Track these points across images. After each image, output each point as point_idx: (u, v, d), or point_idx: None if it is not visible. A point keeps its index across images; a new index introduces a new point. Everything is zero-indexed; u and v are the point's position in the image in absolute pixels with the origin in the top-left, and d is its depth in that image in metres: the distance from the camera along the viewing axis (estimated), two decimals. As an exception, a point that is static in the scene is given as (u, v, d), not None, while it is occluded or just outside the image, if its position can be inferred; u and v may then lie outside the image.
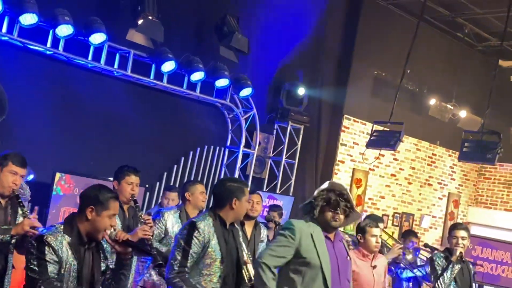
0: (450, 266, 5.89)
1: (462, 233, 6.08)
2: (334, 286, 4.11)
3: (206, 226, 4.12)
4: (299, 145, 9.98)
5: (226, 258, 4.14)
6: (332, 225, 4.20)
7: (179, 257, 4.06)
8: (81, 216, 3.50)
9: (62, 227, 3.47)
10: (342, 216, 4.19)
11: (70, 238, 3.43)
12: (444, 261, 5.99)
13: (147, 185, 7.86)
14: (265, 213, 7.44)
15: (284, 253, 4.10)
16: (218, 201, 4.30)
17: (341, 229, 4.90)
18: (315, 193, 4.29)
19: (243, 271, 4.36)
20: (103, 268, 3.65)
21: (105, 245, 3.77)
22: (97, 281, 3.57)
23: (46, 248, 3.32)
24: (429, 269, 6.09)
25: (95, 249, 3.58)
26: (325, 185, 4.31)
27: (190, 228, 4.11)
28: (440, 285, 5.86)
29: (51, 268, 3.32)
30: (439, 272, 5.94)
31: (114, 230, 3.69)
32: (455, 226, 6.24)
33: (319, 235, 4.17)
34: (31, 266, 3.32)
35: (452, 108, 11.55)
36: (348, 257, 4.35)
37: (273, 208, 7.32)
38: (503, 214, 12.88)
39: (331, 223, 4.18)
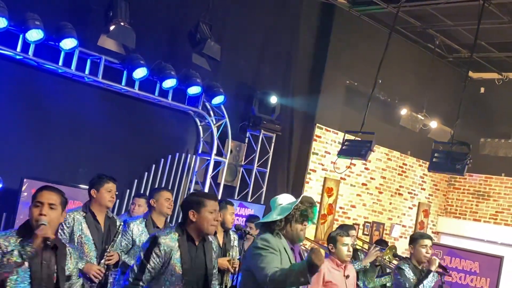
0: (431, 275, 5.91)
1: (429, 242, 6.12)
2: None
3: (169, 241, 4.05)
4: (271, 154, 9.98)
5: (189, 273, 4.06)
6: (300, 237, 4.28)
7: (136, 269, 4.04)
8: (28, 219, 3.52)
9: (14, 231, 3.47)
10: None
11: (21, 239, 3.38)
12: (410, 271, 6.00)
13: (116, 193, 7.75)
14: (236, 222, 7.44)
15: (276, 263, 4.05)
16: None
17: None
18: (290, 207, 4.27)
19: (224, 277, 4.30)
20: (67, 272, 3.58)
21: (71, 250, 3.68)
22: (61, 281, 3.49)
23: None
24: (400, 277, 6.09)
25: (53, 252, 3.51)
26: (300, 198, 4.33)
27: (151, 242, 4.05)
28: None
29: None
30: (408, 279, 5.96)
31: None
32: (422, 236, 6.26)
33: (287, 248, 4.22)
34: None
35: (423, 118, 11.67)
36: None
37: (251, 219, 7.32)
38: (472, 224, 13.03)
39: (299, 235, 4.26)
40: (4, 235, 3.42)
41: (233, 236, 6.12)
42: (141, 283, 4.00)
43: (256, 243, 4.21)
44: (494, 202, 12.90)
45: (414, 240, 6.18)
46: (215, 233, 5.85)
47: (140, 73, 7.81)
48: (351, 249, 5.58)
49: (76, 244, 4.84)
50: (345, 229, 6.88)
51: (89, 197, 5.13)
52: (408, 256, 6.30)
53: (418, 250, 6.07)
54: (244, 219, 7.85)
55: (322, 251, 4.03)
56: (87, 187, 5.27)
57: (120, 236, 5.31)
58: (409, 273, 5.96)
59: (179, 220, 4.51)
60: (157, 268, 4.00)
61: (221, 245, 5.97)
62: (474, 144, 10.14)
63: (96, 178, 5.15)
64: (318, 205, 4.47)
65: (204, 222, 4.14)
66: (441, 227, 13.10)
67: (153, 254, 3.99)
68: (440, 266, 6.04)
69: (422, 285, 5.85)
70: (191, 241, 4.14)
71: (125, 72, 7.90)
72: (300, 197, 4.37)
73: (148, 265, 3.98)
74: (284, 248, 4.17)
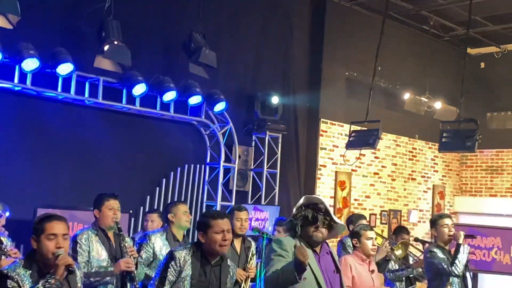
0: (461, 248, 5.89)
1: (449, 220, 6.11)
2: None
3: (183, 256, 4.16)
4: (279, 154, 9.95)
5: None
6: (315, 239, 4.25)
7: (157, 283, 4.16)
8: (33, 250, 3.47)
9: (22, 262, 3.44)
10: (324, 230, 4.25)
11: (30, 271, 3.38)
12: (441, 251, 5.99)
13: (131, 211, 7.77)
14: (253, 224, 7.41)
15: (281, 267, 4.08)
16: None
17: None
18: (294, 210, 4.35)
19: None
20: None
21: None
22: None
23: (9, 281, 3.28)
24: (424, 264, 6.04)
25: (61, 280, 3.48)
26: (302, 200, 4.37)
27: (169, 257, 4.20)
28: (456, 269, 5.82)
29: None
30: (442, 259, 5.92)
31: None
32: (441, 216, 6.25)
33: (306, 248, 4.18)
34: None
35: (426, 100, 11.60)
36: (335, 271, 4.35)
37: (279, 222, 7.27)
38: (489, 200, 12.95)
39: (313, 237, 4.23)
40: (9, 267, 3.40)
41: (252, 244, 6.07)
42: None
43: (270, 245, 4.29)
44: (508, 175, 12.82)
45: (434, 222, 6.17)
46: (232, 241, 5.81)
47: (139, 89, 7.80)
48: (375, 243, 5.54)
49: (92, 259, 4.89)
50: (358, 218, 6.86)
51: (94, 218, 5.13)
52: (432, 240, 6.28)
53: (441, 231, 6.05)
54: (262, 222, 7.83)
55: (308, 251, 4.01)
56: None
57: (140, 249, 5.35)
58: (441, 254, 5.95)
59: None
60: (173, 281, 4.12)
61: (239, 253, 5.92)
62: (481, 119, 10.07)
63: (97, 198, 5.14)
64: (325, 201, 4.42)
65: (212, 243, 4.18)
66: (458, 207, 13.03)
67: (170, 267, 4.11)
68: (465, 236, 6.03)
69: (457, 260, 5.82)
70: (205, 259, 4.20)
71: (124, 91, 7.90)
72: (302, 199, 4.36)
73: (168, 277, 4.10)
74: None
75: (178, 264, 4.11)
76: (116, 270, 4.90)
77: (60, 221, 3.51)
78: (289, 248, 4.15)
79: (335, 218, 4.32)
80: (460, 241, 5.95)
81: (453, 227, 6.10)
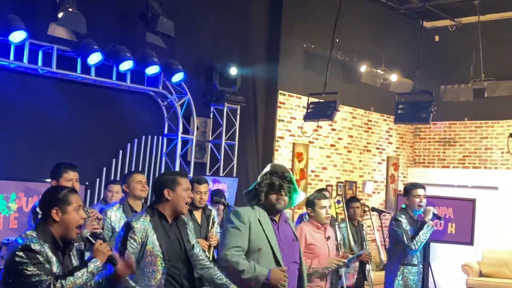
0: (425, 226, 5.97)
1: (421, 191, 6.18)
2: None
3: (142, 224, 4.01)
4: (237, 126, 9.91)
5: (168, 252, 4.03)
6: (277, 208, 4.31)
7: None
8: (49, 220, 3.38)
9: (34, 234, 3.32)
10: (286, 198, 4.32)
11: (47, 244, 3.30)
12: (407, 222, 6.07)
13: (87, 183, 7.62)
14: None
15: (241, 243, 4.14)
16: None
17: None
18: (258, 178, 4.37)
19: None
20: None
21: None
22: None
23: (33, 254, 3.19)
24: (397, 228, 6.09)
25: (70, 252, 3.51)
26: (267, 168, 4.39)
27: (126, 229, 4.03)
28: (414, 245, 5.92)
29: (50, 268, 3.22)
30: (405, 231, 6.00)
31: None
32: (414, 186, 6.30)
33: (265, 219, 4.25)
34: (27, 273, 3.15)
35: (382, 73, 11.71)
36: (295, 239, 4.40)
37: (216, 193, 7.23)
38: (441, 171, 13.22)
39: (276, 205, 4.28)
40: (30, 241, 3.28)
41: (213, 212, 6.05)
42: None
43: (227, 217, 4.36)
44: (460, 147, 13.09)
45: (407, 191, 6.25)
46: (191, 212, 5.79)
47: (95, 58, 7.61)
48: (329, 211, 5.60)
49: None
50: (320, 191, 6.89)
51: None
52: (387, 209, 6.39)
53: (412, 200, 6.17)
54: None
55: (284, 269, 4.13)
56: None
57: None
58: (406, 225, 6.03)
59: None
60: (136, 253, 3.96)
61: (200, 223, 5.89)
62: (436, 92, 10.22)
63: (55, 168, 5.00)
64: (290, 171, 4.46)
65: (180, 200, 4.12)
66: (412, 178, 13.23)
67: (129, 239, 3.96)
68: (434, 215, 6.11)
69: (418, 236, 5.93)
70: (164, 220, 4.12)
71: (79, 60, 7.70)
72: (268, 167, 4.37)
73: (126, 251, 3.93)
74: (259, 220, 4.20)
75: (138, 233, 3.97)
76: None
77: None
78: (247, 220, 4.18)
79: (297, 187, 4.37)
80: (427, 219, 6.03)
81: (425, 198, 6.18)
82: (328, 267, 5.33)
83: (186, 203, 4.16)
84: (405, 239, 5.97)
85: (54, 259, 3.29)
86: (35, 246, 3.22)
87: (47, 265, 3.21)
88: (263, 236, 4.17)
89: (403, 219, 6.09)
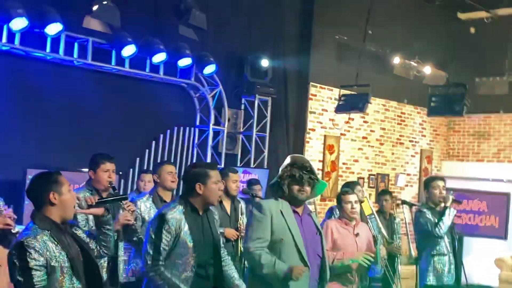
0: (447, 211, 6.05)
1: (441, 183, 6.29)
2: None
3: (175, 215, 4.04)
4: (268, 118, 9.95)
5: (199, 244, 4.06)
6: (300, 198, 4.33)
7: (151, 251, 3.99)
8: (46, 206, 3.40)
9: (36, 225, 3.37)
10: (308, 188, 4.33)
11: (49, 231, 3.32)
12: (430, 212, 6.15)
13: (120, 172, 7.77)
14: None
15: (263, 234, 4.18)
16: (186, 188, 4.24)
17: None
18: (279, 171, 4.39)
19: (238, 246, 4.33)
20: (93, 246, 3.69)
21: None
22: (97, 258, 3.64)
23: (28, 253, 3.19)
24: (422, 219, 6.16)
25: (72, 231, 3.53)
26: (287, 160, 4.42)
27: (159, 220, 4.02)
28: (439, 230, 5.99)
29: (37, 275, 3.19)
30: (429, 219, 6.07)
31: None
32: (434, 178, 6.44)
33: (288, 210, 4.28)
34: (16, 277, 3.19)
35: (416, 65, 11.59)
36: (318, 233, 4.41)
37: (252, 182, 7.29)
38: (475, 165, 13.06)
39: (298, 196, 4.30)
40: (29, 235, 3.30)
41: (241, 204, 6.12)
42: (160, 263, 3.99)
43: (251, 208, 4.36)
44: (495, 140, 12.91)
45: (427, 183, 6.35)
46: (221, 202, 5.86)
47: (129, 50, 7.74)
48: (355, 206, 5.57)
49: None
50: (348, 186, 6.91)
51: (89, 178, 5.08)
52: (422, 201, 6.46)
53: (432, 192, 6.26)
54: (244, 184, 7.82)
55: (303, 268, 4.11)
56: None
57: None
58: (429, 215, 6.11)
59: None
60: (170, 245, 3.99)
61: (229, 213, 5.96)
62: (470, 84, 10.11)
63: (92, 159, 5.08)
64: (312, 164, 4.48)
65: (211, 194, 4.16)
66: (445, 171, 13.12)
67: (164, 232, 3.98)
68: (453, 200, 6.19)
69: (441, 221, 6.01)
70: (195, 212, 4.15)
71: (113, 52, 7.83)
72: (288, 159, 4.40)
73: (162, 244, 3.96)
74: (281, 211, 4.24)
75: (172, 226, 3.98)
76: (118, 226, 4.84)
77: None
78: (268, 211, 4.21)
79: (318, 177, 4.40)
80: (448, 204, 6.10)
81: (444, 189, 6.24)
82: (354, 259, 5.24)
83: (217, 196, 4.23)
84: (429, 226, 6.05)
85: (54, 246, 3.28)
86: (30, 241, 3.22)
87: (36, 272, 3.20)
88: (285, 227, 4.19)
89: (426, 210, 6.18)
